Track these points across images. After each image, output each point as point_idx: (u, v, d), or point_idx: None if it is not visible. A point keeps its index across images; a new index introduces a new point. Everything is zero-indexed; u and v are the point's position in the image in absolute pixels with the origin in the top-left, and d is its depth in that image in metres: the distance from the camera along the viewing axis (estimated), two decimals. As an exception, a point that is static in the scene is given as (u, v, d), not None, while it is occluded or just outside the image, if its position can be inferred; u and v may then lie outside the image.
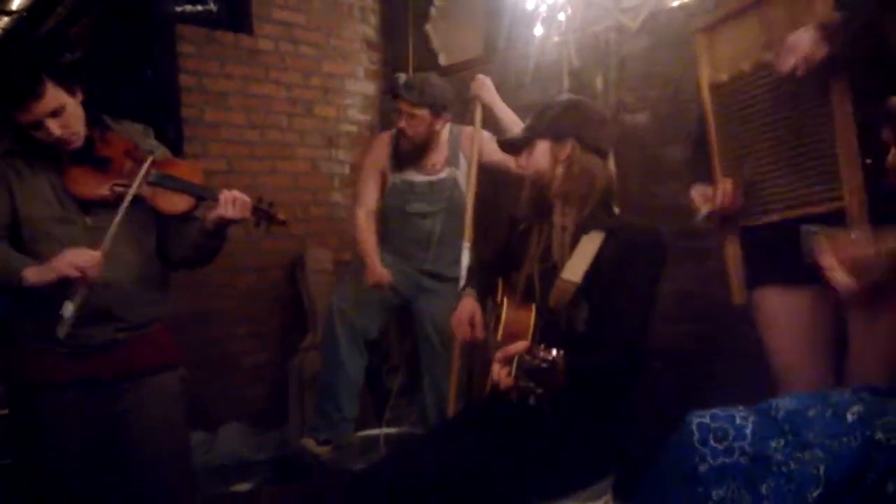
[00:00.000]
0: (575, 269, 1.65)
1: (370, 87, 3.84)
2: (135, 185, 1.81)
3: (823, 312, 1.53)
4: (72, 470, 1.84)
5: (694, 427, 0.84)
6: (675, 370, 2.47)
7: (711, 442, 0.82)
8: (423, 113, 2.76)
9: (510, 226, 1.91)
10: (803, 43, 1.44)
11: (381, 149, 2.95)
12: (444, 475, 1.55)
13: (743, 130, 1.72)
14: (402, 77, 3.39)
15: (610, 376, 1.61)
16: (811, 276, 1.42)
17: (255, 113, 3.43)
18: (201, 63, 3.25)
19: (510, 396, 1.48)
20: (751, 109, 1.70)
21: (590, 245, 1.67)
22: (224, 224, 1.87)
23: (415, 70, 3.60)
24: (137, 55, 3.33)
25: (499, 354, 1.52)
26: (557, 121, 1.75)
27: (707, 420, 0.84)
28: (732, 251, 1.75)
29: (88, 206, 1.83)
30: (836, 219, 1.46)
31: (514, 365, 1.43)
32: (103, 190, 1.82)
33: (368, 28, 3.83)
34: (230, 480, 2.83)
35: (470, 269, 2.28)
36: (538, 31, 2.97)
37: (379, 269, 2.79)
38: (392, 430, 2.90)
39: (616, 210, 1.80)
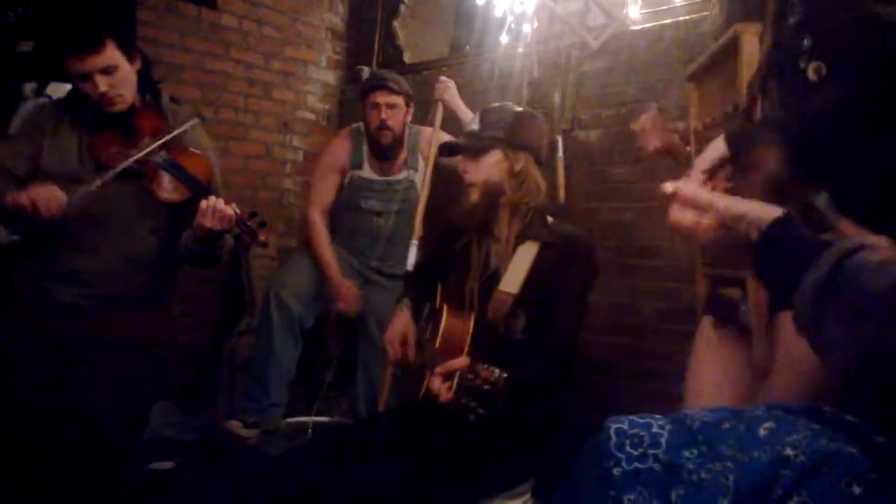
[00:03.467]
0: (512, 280, 1.68)
1: (331, 77, 3.80)
2: (132, 158, 1.80)
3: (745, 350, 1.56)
4: (24, 413, 1.84)
5: (612, 432, 0.86)
6: (605, 380, 2.53)
7: (627, 447, 0.84)
8: (401, 102, 2.78)
9: (450, 234, 1.90)
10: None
11: (343, 145, 2.93)
12: (364, 471, 1.53)
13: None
14: (366, 70, 3.37)
15: (546, 383, 1.64)
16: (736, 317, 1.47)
17: (210, 90, 3.35)
18: (159, 33, 3.16)
19: (447, 409, 1.50)
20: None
21: (526, 256, 1.70)
22: (208, 234, 1.81)
23: (379, 65, 3.59)
24: (94, 17, 3.22)
25: (440, 368, 1.53)
26: (513, 131, 1.75)
27: (625, 426, 0.86)
28: (700, 286, 1.75)
29: (104, 169, 1.82)
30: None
31: (456, 381, 1.46)
32: (118, 157, 1.82)
33: (335, 17, 3.80)
34: (151, 458, 2.75)
35: (408, 276, 2.27)
36: (504, 39, 3.01)
37: (348, 292, 2.77)
38: (322, 419, 2.88)
39: (549, 219, 1.82)
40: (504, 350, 1.67)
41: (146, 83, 1.94)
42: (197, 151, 1.95)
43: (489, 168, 1.74)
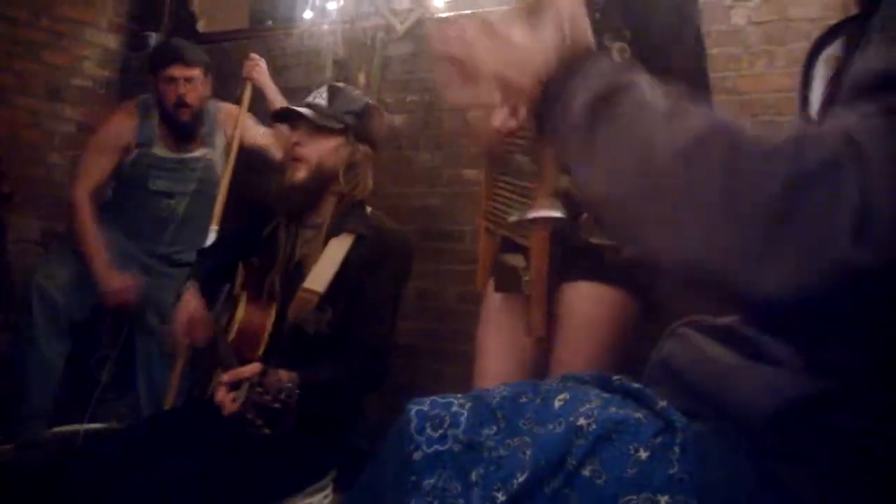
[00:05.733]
0: (320, 277, 1.57)
1: (112, 41, 3.39)
2: None
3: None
4: None
5: (412, 414, 0.81)
6: (411, 364, 2.53)
7: (428, 430, 0.80)
8: (199, 74, 2.54)
9: (257, 213, 1.77)
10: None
11: (126, 121, 2.61)
12: (141, 476, 1.36)
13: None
14: (154, 36, 3.09)
15: (351, 385, 1.56)
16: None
17: (-41, 44, 2.85)
18: None
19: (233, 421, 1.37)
20: None
21: (338, 249, 1.60)
22: None
23: (168, 31, 3.28)
24: None
25: (227, 377, 1.39)
26: (362, 122, 1.67)
27: (425, 408, 0.82)
28: (483, 242, 1.73)
29: None
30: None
31: (244, 393, 1.32)
32: None
33: (119, -24, 3.41)
34: None
35: (201, 253, 2.08)
36: (307, 14, 2.89)
37: (118, 286, 2.45)
38: (96, 425, 2.55)
39: (368, 209, 1.75)
40: (307, 346, 1.57)
41: None
42: None
43: (327, 150, 1.63)
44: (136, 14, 3.43)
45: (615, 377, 0.87)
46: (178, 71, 2.50)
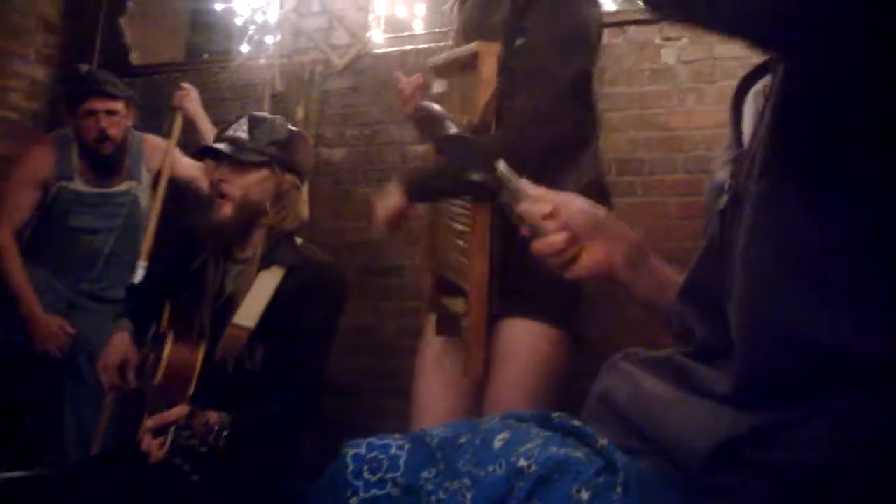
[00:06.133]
0: (249, 312, 1.53)
1: (41, 73, 3.28)
2: None
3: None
4: None
5: (349, 459, 0.79)
6: (350, 401, 2.48)
7: (365, 474, 0.77)
8: (122, 107, 2.47)
9: (185, 249, 1.72)
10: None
11: (44, 156, 2.52)
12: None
13: None
14: (86, 68, 3.00)
15: (284, 423, 1.52)
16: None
17: None
18: None
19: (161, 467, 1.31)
20: None
21: (269, 283, 1.57)
22: None
23: (100, 64, 3.20)
24: None
25: (151, 422, 1.33)
26: (285, 151, 1.63)
27: (363, 451, 0.80)
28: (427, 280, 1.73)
29: None
30: None
31: (170, 438, 1.27)
32: None
33: (49, 7, 3.30)
34: None
35: (130, 290, 1.98)
36: (245, 48, 2.87)
37: (50, 331, 2.36)
38: (17, 474, 2.39)
39: (299, 241, 1.73)
40: (238, 385, 1.52)
41: None
42: None
43: (252, 184, 1.59)
44: (66, 46, 3.33)
45: (555, 414, 0.87)
46: (99, 104, 2.43)
